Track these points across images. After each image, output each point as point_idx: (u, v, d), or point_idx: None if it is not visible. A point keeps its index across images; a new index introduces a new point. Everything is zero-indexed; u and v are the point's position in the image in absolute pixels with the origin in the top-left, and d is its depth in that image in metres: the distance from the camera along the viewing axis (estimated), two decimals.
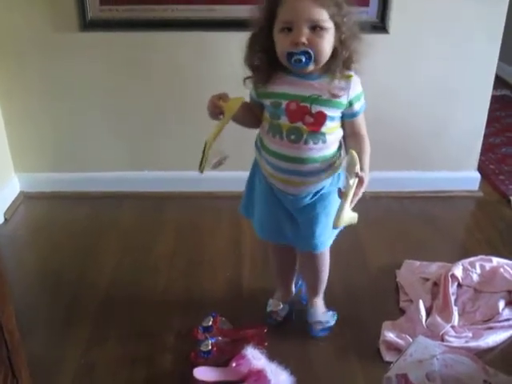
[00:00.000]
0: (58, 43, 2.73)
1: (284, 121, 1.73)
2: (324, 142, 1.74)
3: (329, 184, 1.83)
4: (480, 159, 3.12)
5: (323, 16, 1.59)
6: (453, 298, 2.18)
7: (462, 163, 3.09)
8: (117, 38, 2.73)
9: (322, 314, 2.12)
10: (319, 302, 2.15)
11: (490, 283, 2.28)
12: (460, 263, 2.34)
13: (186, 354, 1.97)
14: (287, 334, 2.11)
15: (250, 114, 1.84)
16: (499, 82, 4.22)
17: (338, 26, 1.63)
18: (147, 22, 2.68)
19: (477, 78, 2.87)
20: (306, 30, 1.60)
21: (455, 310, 2.13)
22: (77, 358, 1.99)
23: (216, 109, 1.74)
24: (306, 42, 1.60)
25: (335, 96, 1.70)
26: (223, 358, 1.93)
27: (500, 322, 2.12)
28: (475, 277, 2.31)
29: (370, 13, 2.67)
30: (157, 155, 3.04)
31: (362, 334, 2.10)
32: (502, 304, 2.19)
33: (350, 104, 1.73)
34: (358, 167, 1.62)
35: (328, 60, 1.67)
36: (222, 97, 1.74)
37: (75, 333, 2.12)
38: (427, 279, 2.33)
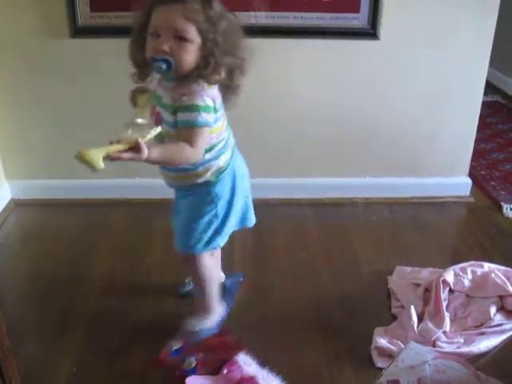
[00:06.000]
0: (48, 50, 2.72)
1: None
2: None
3: (195, 191, 1.89)
4: (471, 165, 3.14)
5: (188, 28, 1.63)
6: (444, 304, 2.19)
7: (453, 169, 3.10)
8: (107, 45, 2.71)
9: (191, 326, 2.08)
10: (196, 318, 2.10)
11: (482, 288, 2.28)
12: (451, 269, 2.35)
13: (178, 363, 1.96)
14: (278, 340, 2.10)
15: None
16: (490, 87, 4.24)
17: (205, 42, 1.66)
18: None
19: (467, 84, 2.88)
20: (170, 39, 1.64)
21: (447, 316, 2.13)
22: (69, 366, 1.98)
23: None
24: (168, 51, 1.64)
25: (173, 99, 1.72)
26: (209, 369, 1.92)
27: (492, 327, 2.12)
28: (467, 282, 2.31)
29: (361, 19, 2.68)
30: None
31: (353, 340, 2.10)
32: (493, 309, 2.19)
33: (174, 111, 1.72)
34: (144, 136, 1.57)
35: (192, 69, 1.69)
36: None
37: (67, 340, 2.10)
38: (419, 285, 2.34)
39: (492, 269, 2.37)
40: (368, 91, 2.86)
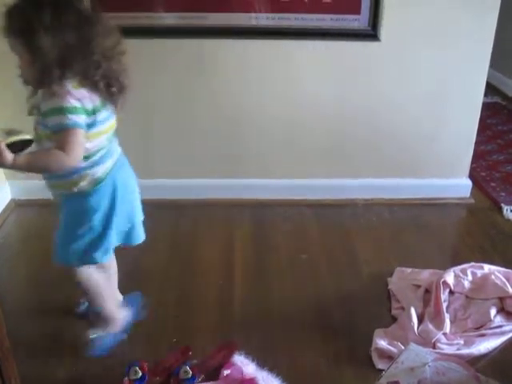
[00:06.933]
0: None
1: None
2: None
3: (71, 201, 1.85)
4: (471, 166, 3.13)
5: (10, 42, 1.67)
6: (444, 305, 2.19)
7: (453, 170, 3.10)
8: None
9: (91, 335, 2.05)
10: (95, 328, 2.08)
11: (482, 290, 2.28)
12: (451, 270, 2.35)
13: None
14: (278, 340, 2.10)
15: None
16: (490, 88, 4.23)
17: (28, 50, 1.65)
18: (135, 30, 2.64)
19: (468, 84, 2.88)
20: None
21: (447, 318, 2.13)
22: (69, 366, 1.98)
23: None
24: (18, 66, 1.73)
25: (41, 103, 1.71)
26: (206, 374, 1.89)
27: (492, 328, 2.12)
28: (467, 284, 2.31)
29: (362, 21, 2.68)
30: (148, 163, 3.02)
31: (353, 341, 2.10)
32: (493, 311, 2.19)
33: (44, 116, 1.68)
34: (10, 140, 1.58)
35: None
36: None
37: (67, 340, 2.10)
38: (419, 286, 2.33)
39: (492, 270, 2.36)
40: (368, 92, 2.86)
